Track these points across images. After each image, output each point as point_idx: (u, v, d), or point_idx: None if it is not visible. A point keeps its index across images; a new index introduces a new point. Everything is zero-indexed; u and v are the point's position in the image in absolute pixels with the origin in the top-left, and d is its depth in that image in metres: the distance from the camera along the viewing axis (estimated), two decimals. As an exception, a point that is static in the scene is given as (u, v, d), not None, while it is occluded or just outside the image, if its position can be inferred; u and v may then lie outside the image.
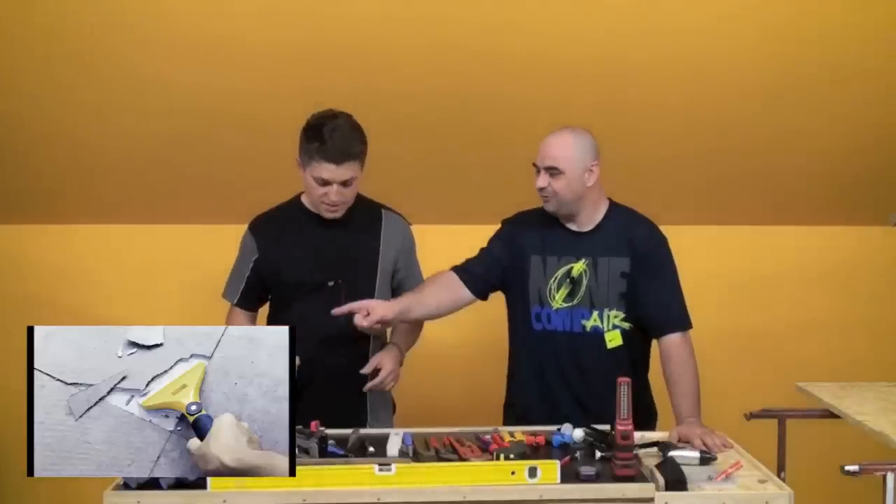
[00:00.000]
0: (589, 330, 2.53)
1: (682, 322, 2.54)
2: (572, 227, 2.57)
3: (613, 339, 2.53)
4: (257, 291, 2.64)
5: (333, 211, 2.51)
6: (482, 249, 2.65)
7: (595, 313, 2.53)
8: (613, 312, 2.53)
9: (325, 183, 2.45)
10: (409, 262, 2.68)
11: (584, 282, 2.52)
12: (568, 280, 2.53)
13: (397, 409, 2.73)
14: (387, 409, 2.67)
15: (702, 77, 3.06)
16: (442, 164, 3.34)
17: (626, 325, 2.54)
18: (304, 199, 2.62)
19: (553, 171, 2.47)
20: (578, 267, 2.53)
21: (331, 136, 2.41)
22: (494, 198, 3.18)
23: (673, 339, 2.51)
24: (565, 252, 2.55)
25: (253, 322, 2.71)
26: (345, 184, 2.45)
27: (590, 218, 2.57)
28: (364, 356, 2.57)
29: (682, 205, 3.52)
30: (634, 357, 2.57)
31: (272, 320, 2.66)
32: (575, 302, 2.53)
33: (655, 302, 2.53)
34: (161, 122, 3.15)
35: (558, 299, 2.54)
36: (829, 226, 3.69)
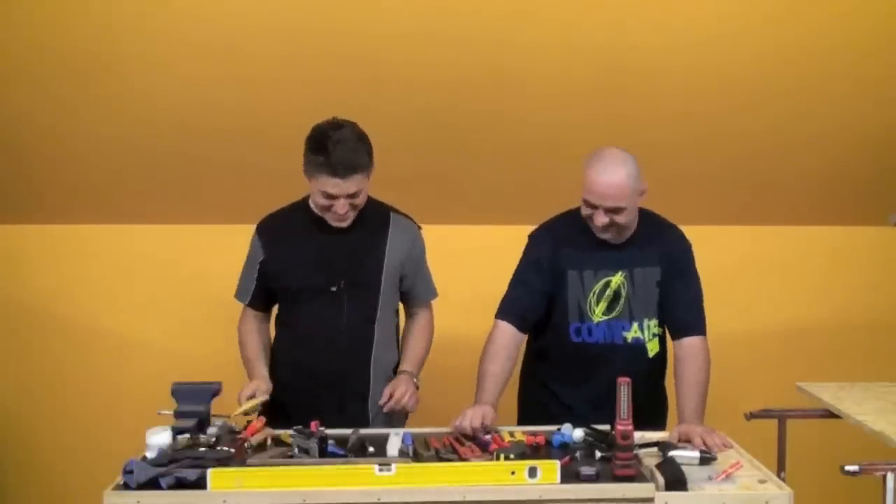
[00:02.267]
0: (630, 341, 2.53)
1: (704, 326, 2.56)
2: (607, 237, 2.55)
3: (654, 348, 2.57)
4: (266, 293, 2.63)
5: (341, 220, 2.49)
6: (519, 281, 2.59)
7: (635, 325, 2.54)
8: (653, 322, 2.56)
9: (332, 197, 2.43)
10: (416, 267, 2.66)
11: (623, 294, 2.53)
12: (608, 293, 2.53)
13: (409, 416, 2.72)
14: (396, 416, 2.63)
15: (701, 77, 3.05)
16: (443, 164, 3.33)
17: (660, 329, 2.59)
18: (311, 201, 2.59)
19: (617, 210, 2.44)
20: (616, 280, 2.53)
21: (335, 148, 2.36)
22: (496, 198, 3.19)
23: (696, 340, 2.52)
24: (602, 265, 2.54)
25: (266, 322, 2.70)
26: (352, 196, 2.43)
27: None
28: (366, 360, 2.57)
29: (681, 205, 3.49)
30: (665, 360, 2.64)
31: (280, 322, 2.67)
32: (615, 314, 2.53)
33: (683, 304, 2.55)
34: (163, 121, 3.14)
35: (598, 313, 2.54)
36: (829, 226, 3.69)
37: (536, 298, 2.56)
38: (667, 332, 2.63)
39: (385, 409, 2.51)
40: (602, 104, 3.10)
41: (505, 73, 3.02)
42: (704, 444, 2.26)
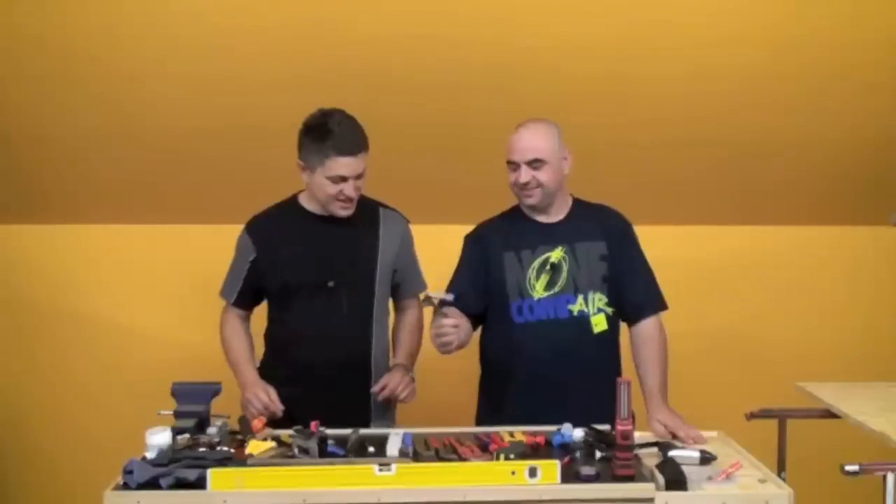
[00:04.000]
0: (576, 314, 2.53)
1: (660, 303, 2.60)
2: (542, 219, 2.59)
3: (599, 324, 2.54)
4: (254, 292, 2.65)
5: (348, 207, 2.50)
6: (458, 269, 2.64)
7: (580, 297, 2.53)
8: (598, 296, 2.54)
9: (342, 179, 2.44)
10: (407, 259, 2.68)
11: (565, 267, 2.53)
12: (548, 268, 2.53)
13: (398, 409, 2.73)
14: (388, 409, 2.66)
15: (701, 78, 3.05)
16: (440, 164, 3.33)
17: (609, 309, 2.56)
18: (301, 199, 2.61)
19: (537, 164, 2.48)
20: (556, 254, 2.54)
21: (339, 129, 2.41)
22: (493, 197, 3.18)
23: (653, 320, 2.57)
24: (539, 243, 2.56)
25: (247, 322, 2.71)
26: (359, 177, 2.46)
27: (560, 208, 2.60)
28: (365, 356, 2.58)
29: (683, 204, 3.51)
30: (615, 344, 2.61)
31: (273, 321, 2.67)
32: (557, 289, 2.53)
33: (638, 286, 2.57)
34: (163, 120, 3.14)
35: (539, 289, 2.54)
36: (829, 226, 3.69)
37: (475, 289, 2.57)
38: (620, 322, 2.62)
39: (380, 398, 2.53)
40: (602, 105, 3.10)
41: (503, 73, 3.02)
42: (689, 436, 2.30)
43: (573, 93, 3.05)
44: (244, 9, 2.82)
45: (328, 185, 2.45)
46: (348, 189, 2.45)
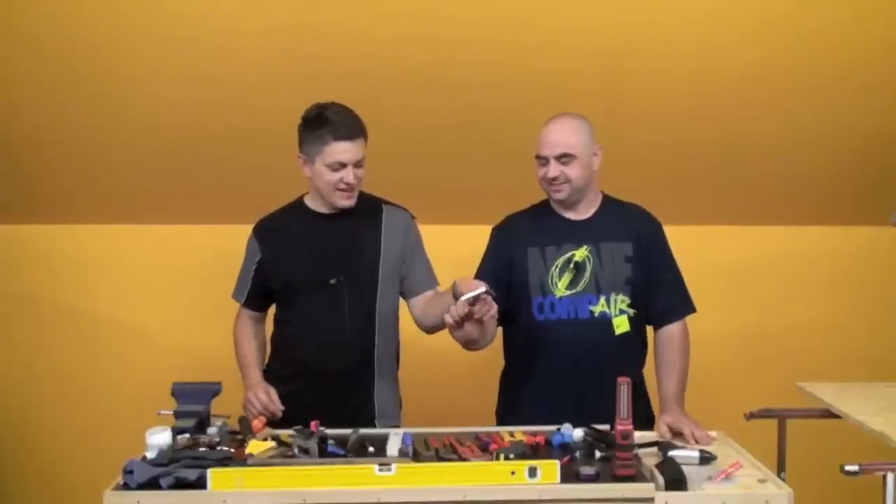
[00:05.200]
0: (597, 315, 2.51)
1: (688, 307, 2.59)
2: (570, 216, 2.57)
3: (621, 325, 2.52)
4: (263, 293, 2.65)
5: (349, 196, 2.51)
6: (483, 262, 2.62)
7: (602, 298, 2.51)
8: (620, 297, 2.52)
9: (341, 166, 2.46)
10: (415, 253, 2.65)
11: (589, 267, 2.51)
12: (571, 266, 2.51)
13: (402, 408, 2.73)
14: (394, 406, 2.66)
15: (701, 77, 3.06)
16: (441, 164, 3.34)
17: (632, 311, 2.54)
18: (306, 200, 2.62)
19: (566, 158, 2.47)
20: (581, 253, 2.52)
21: (336, 116, 2.45)
22: (494, 197, 3.18)
23: (678, 325, 2.56)
24: (564, 240, 2.54)
25: (261, 322, 2.73)
26: (357, 164, 2.48)
27: (589, 205, 2.58)
28: (368, 354, 2.57)
29: (683, 204, 3.51)
30: (638, 346, 2.59)
31: (279, 319, 2.68)
32: (579, 289, 2.51)
33: (664, 290, 2.56)
34: (162, 120, 3.15)
35: (561, 287, 2.52)
36: (830, 226, 3.69)
37: (498, 285, 2.48)
38: (644, 323, 2.60)
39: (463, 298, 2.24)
40: (601, 105, 3.10)
41: (502, 73, 3.02)
42: (693, 436, 2.29)
43: (573, 92, 3.04)
44: (242, 11, 2.83)
45: (328, 174, 2.47)
46: (348, 176, 2.46)
